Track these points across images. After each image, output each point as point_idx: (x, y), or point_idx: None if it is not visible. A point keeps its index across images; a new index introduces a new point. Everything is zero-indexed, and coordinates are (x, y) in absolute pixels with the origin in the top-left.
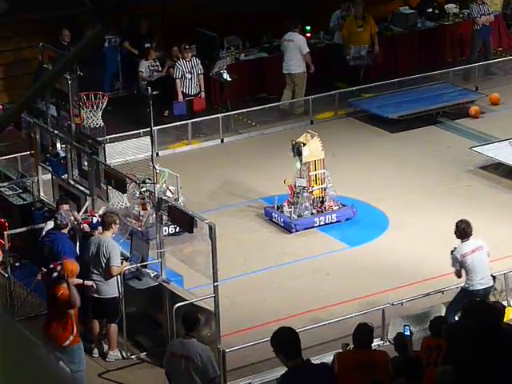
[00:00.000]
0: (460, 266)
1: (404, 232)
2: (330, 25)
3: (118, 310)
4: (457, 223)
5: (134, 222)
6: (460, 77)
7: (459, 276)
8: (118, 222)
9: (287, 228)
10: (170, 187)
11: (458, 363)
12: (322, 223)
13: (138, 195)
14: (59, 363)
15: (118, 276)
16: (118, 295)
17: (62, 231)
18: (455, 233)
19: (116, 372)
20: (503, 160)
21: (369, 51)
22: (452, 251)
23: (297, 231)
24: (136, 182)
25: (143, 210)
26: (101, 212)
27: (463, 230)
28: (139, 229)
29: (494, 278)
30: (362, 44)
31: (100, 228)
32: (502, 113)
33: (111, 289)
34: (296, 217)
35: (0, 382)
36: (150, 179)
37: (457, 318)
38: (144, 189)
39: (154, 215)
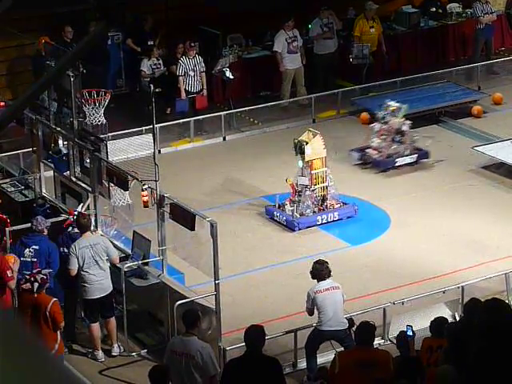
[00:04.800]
0: (312, 303)
1: (405, 231)
2: (313, 34)
3: (113, 302)
4: (313, 263)
5: (375, 152)
6: (463, 76)
7: (310, 314)
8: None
9: (290, 226)
10: (407, 122)
11: (461, 363)
12: (324, 221)
13: (379, 127)
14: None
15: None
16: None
17: (44, 234)
18: (310, 272)
19: (117, 369)
20: (505, 160)
21: (375, 52)
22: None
23: (299, 229)
24: (138, 179)
25: (144, 206)
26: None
27: (317, 271)
28: (380, 158)
29: (350, 321)
30: (373, 44)
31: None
32: (504, 112)
33: (109, 283)
34: (298, 215)
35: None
36: None
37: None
38: (146, 186)
39: (394, 146)
